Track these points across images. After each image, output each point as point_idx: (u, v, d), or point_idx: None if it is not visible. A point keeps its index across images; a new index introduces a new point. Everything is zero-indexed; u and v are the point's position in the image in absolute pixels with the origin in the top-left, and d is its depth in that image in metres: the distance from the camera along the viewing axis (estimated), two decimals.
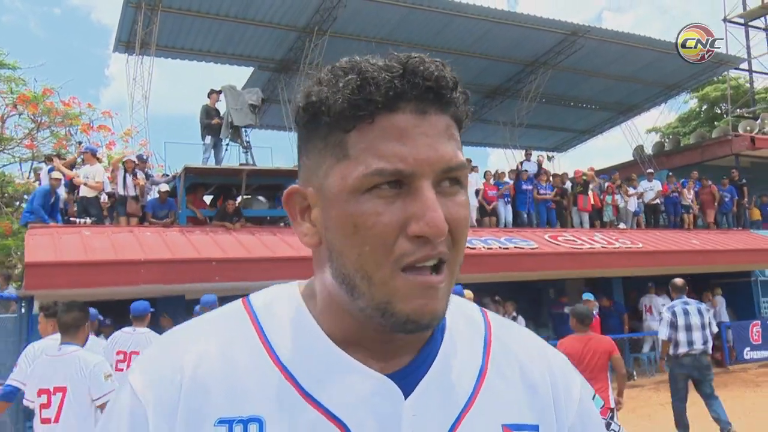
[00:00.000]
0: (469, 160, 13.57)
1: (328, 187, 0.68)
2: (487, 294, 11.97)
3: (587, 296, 9.44)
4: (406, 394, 0.71)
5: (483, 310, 0.85)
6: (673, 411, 7.19)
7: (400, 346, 0.73)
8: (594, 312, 9.31)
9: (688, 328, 7.09)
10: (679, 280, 7.55)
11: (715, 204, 16.12)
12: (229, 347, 0.72)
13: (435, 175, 0.66)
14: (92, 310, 6.26)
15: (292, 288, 0.79)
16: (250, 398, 0.69)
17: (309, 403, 0.69)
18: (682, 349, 7.08)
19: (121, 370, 5.79)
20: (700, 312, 7.15)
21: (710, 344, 7.20)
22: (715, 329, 7.37)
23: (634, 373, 12.26)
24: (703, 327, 7.10)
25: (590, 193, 14.44)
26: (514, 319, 11.23)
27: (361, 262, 0.66)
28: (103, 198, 10.66)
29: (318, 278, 0.74)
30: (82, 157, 11.47)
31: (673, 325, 7.14)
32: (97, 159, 11.75)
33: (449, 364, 0.75)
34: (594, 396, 0.83)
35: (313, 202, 0.71)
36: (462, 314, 0.81)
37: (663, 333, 7.22)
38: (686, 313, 7.14)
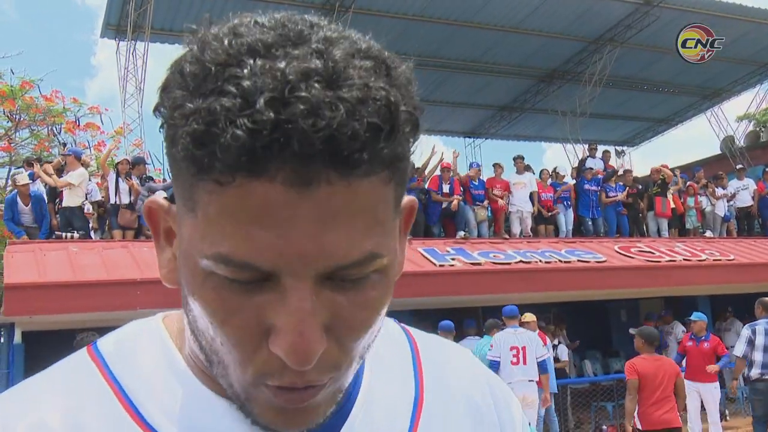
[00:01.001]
0: (521, 157, 13.51)
1: (180, 233, 0.57)
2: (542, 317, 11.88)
3: (697, 316, 9.33)
4: None
5: (402, 326, 0.80)
6: None
7: None
8: (709, 333, 9.38)
9: (766, 349, 7.80)
10: (766, 299, 8.23)
11: None
12: (76, 412, 0.62)
13: (316, 276, 0.52)
14: None
15: (154, 322, 0.70)
16: None
17: None
18: (755, 372, 7.82)
19: None
20: None
21: None
22: None
23: (726, 412, 12.01)
24: None
25: (670, 195, 14.24)
26: (555, 347, 11.01)
27: (216, 348, 0.56)
28: (87, 208, 10.81)
29: (184, 315, 0.62)
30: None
31: (751, 343, 7.91)
32: (83, 163, 12.00)
33: (375, 403, 0.69)
34: (529, 424, 0.83)
35: (175, 228, 0.60)
36: (382, 336, 0.68)
37: (739, 350, 7.99)
38: (767, 332, 7.87)
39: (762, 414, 8.04)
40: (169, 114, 0.51)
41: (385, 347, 0.74)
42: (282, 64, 0.49)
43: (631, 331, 7.69)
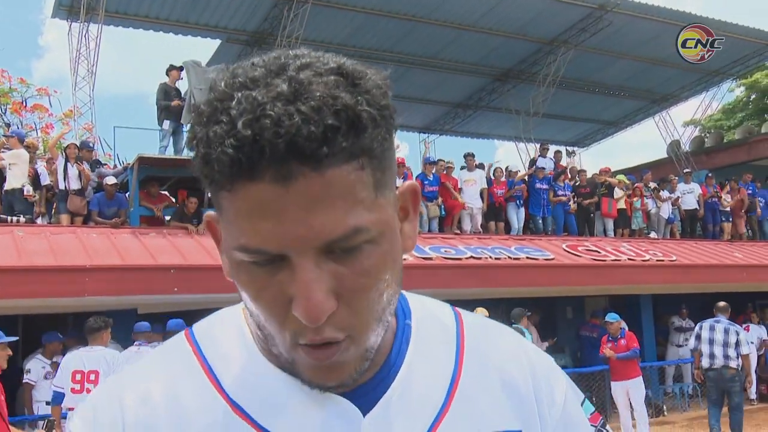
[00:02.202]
0: (471, 155, 13.69)
1: (223, 235, 0.73)
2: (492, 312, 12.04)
3: (612, 317, 9.70)
4: (366, 413, 0.77)
5: (456, 310, 0.92)
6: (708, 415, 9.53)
7: None
8: (623, 330, 9.74)
9: (711, 342, 9.25)
10: (722, 303, 9.68)
11: (743, 211, 16.36)
12: (173, 384, 0.78)
13: (315, 250, 0.66)
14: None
15: (236, 310, 0.84)
16: None
17: None
18: (705, 363, 9.27)
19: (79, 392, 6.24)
20: (726, 331, 9.21)
21: (734, 361, 9.10)
22: (746, 350, 9.15)
23: (664, 407, 12.40)
24: (726, 344, 9.13)
25: (620, 196, 14.57)
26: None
27: (260, 321, 0.72)
28: (27, 190, 10.56)
29: None
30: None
31: (698, 337, 9.44)
32: (30, 145, 11.74)
33: (415, 375, 0.80)
34: (584, 401, 0.91)
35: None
36: (431, 318, 0.88)
37: (691, 343, 9.78)
38: (712, 328, 9.34)
39: (715, 398, 9.37)
40: (189, 143, 0.69)
41: (434, 328, 0.87)
42: (256, 93, 0.64)
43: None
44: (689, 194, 15.97)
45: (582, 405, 0.93)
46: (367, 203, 0.67)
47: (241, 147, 0.62)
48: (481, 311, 9.56)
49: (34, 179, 10.95)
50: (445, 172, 13.42)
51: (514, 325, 9.76)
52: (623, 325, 10.01)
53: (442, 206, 13.04)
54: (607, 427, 0.99)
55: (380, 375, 0.79)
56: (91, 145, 12.23)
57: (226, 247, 0.71)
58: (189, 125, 0.74)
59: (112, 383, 0.81)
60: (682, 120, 25.11)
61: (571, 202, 14.38)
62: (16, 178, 10.43)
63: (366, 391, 0.78)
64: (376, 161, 0.68)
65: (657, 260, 12.77)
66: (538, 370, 0.88)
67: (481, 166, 14.00)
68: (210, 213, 0.78)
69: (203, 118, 0.66)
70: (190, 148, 0.69)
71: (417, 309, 0.87)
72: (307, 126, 0.62)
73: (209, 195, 0.74)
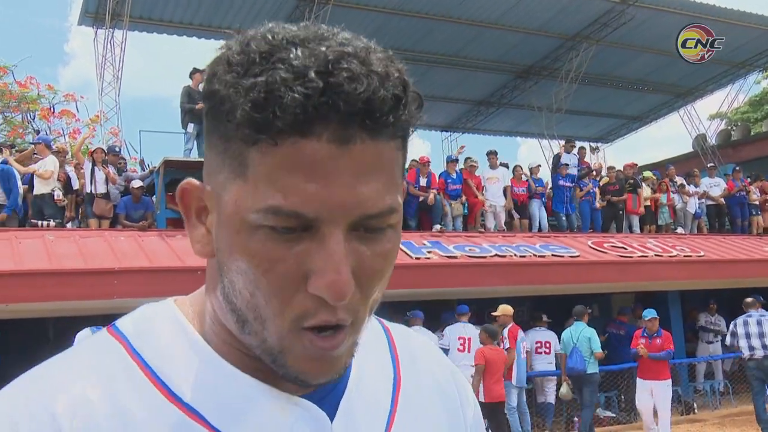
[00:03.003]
0: (494, 152, 13.63)
1: (223, 202, 0.65)
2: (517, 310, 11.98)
3: (650, 313, 9.38)
4: (330, 416, 0.73)
5: (375, 316, 0.87)
6: (754, 407, 9.85)
7: None
8: (660, 329, 9.37)
9: (747, 336, 9.63)
10: (749, 299, 10.06)
11: None
12: (110, 387, 0.67)
13: (349, 223, 0.62)
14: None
15: (168, 306, 0.76)
16: None
17: None
18: (746, 354, 9.63)
19: None
20: (759, 322, 9.59)
21: None
22: None
23: (695, 405, 12.25)
24: (762, 335, 9.51)
25: (641, 192, 14.44)
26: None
27: (255, 302, 0.64)
28: (57, 194, 10.69)
29: (210, 292, 0.72)
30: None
31: (734, 335, 9.80)
32: (59, 150, 11.89)
33: (364, 377, 0.78)
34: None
35: (210, 205, 0.68)
36: None
37: (727, 341, 10.20)
38: (746, 323, 9.73)
39: (759, 388, 9.73)
40: (224, 93, 0.61)
41: (369, 332, 0.81)
42: (323, 48, 0.60)
43: (478, 329, 8.99)
44: (715, 188, 15.77)
45: None
46: (399, 186, 0.66)
47: (311, 96, 0.58)
48: (507, 309, 9.61)
49: (66, 184, 11.09)
50: (468, 169, 13.37)
51: (576, 322, 10.01)
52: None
53: (466, 204, 13.00)
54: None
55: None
56: (117, 149, 12.36)
57: (233, 212, 0.63)
58: (207, 81, 0.63)
59: (33, 387, 0.67)
60: (708, 113, 24.84)
61: (598, 199, 14.24)
62: (45, 184, 10.57)
63: (325, 393, 0.74)
64: (405, 147, 0.67)
65: (684, 256, 12.62)
66: (458, 377, 0.90)
67: (505, 164, 13.91)
68: (190, 180, 0.70)
69: (246, 68, 0.60)
70: (215, 99, 0.62)
71: None
72: (383, 90, 0.60)
73: (226, 144, 0.63)
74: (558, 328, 12.64)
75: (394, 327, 0.89)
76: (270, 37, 0.62)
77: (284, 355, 0.66)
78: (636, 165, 15.67)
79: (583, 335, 9.75)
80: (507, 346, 9.43)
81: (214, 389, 0.69)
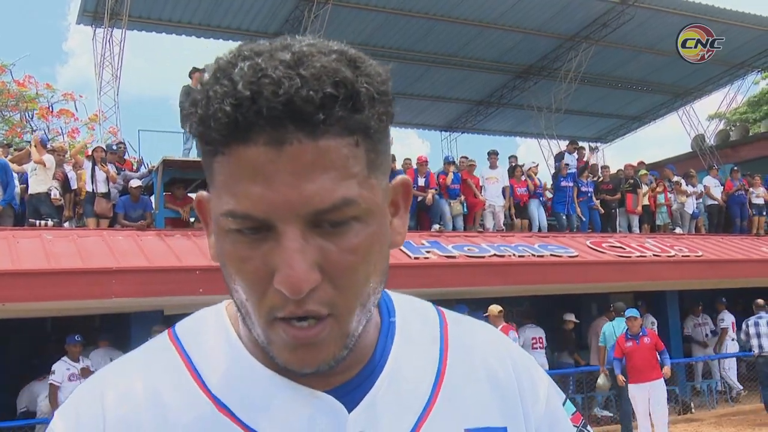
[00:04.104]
0: (495, 152, 13.63)
1: (212, 208, 0.72)
2: (513, 310, 12.02)
3: (632, 312, 9.22)
4: (350, 409, 0.75)
5: (438, 307, 0.91)
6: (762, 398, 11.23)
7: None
8: (644, 328, 9.25)
9: (758, 335, 10.90)
10: (760, 300, 11.23)
11: None
12: (155, 382, 0.76)
13: (302, 220, 0.65)
14: None
15: (219, 308, 0.84)
16: None
17: None
18: (756, 350, 10.92)
19: None
20: None
21: None
22: None
23: (692, 405, 12.27)
24: None
25: (640, 192, 14.45)
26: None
27: (240, 299, 0.70)
28: (54, 194, 10.68)
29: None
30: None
31: (747, 334, 11.08)
32: (56, 149, 11.88)
33: (401, 370, 0.80)
34: (565, 401, 0.90)
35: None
36: (415, 313, 0.87)
37: (740, 339, 11.64)
38: (756, 324, 10.96)
39: (764, 379, 11.08)
40: (188, 110, 0.67)
41: (418, 323, 0.86)
42: (260, 60, 0.64)
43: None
44: (717, 188, 15.78)
45: (564, 405, 0.92)
46: (360, 179, 0.67)
47: (239, 106, 0.62)
48: (496, 309, 9.61)
49: (64, 183, 11.08)
50: (467, 169, 13.38)
51: (617, 319, 10.07)
52: (647, 322, 9.77)
53: (465, 203, 13.01)
54: (588, 427, 0.99)
55: (365, 372, 0.78)
56: (114, 147, 12.35)
57: (214, 217, 0.70)
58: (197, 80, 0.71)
59: (94, 381, 0.79)
60: (707, 114, 24.85)
61: (595, 199, 14.26)
62: (41, 183, 10.55)
63: (350, 388, 0.77)
64: (371, 142, 0.68)
65: (683, 256, 12.64)
66: (520, 366, 0.88)
67: (514, 160, 13.93)
68: (201, 193, 0.77)
69: (205, 85, 0.66)
70: (187, 116, 0.68)
71: (401, 306, 0.87)
72: (306, 90, 0.62)
73: (203, 155, 0.70)
74: (550, 329, 12.68)
75: (452, 317, 0.90)
76: (232, 55, 0.67)
77: (270, 347, 0.71)
78: (633, 165, 15.63)
79: (618, 329, 9.92)
80: None
81: (242, 384, 0.76)
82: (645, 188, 14.64)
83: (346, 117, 0.64)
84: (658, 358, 8.96)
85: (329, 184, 0.64)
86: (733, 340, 13.28)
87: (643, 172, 15.19)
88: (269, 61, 0.64)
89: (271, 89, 0.62)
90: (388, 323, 0.84)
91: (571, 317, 12.66)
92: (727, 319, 13.44)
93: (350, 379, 0.77)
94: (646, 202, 14.62)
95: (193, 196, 12.34)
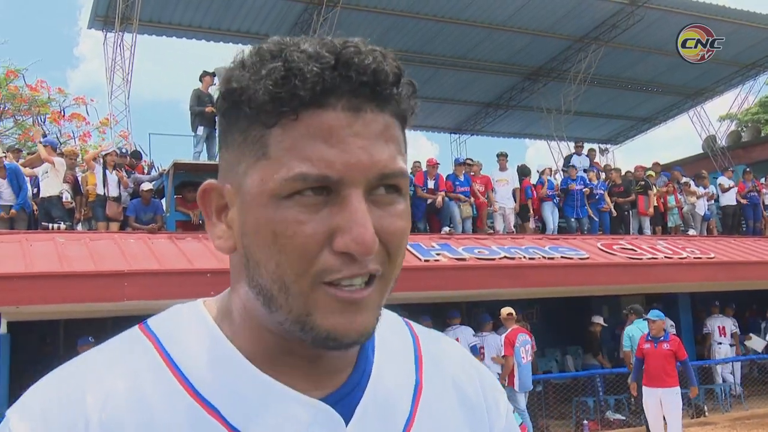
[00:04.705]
0: (504, 154, 13.60)
1: (246, 187, 0.70)
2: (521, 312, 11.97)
3: (655, 315, 8.79)
4: (345, 420, 0.74)
5: (406, 320, 0.91)
6: None
7: (330, 365, 0.76)
8: (667, 332, 8.89)
9: None
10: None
11: None
12: (136, 381, 0.71)
13: (367, 183, 0.68)
14: None
15: (197, 307, 0.80)
16: None
17: None
18: None
19: None
20: None
21: None
22: None
23: (705, 408, 12.18)
24: None
25: (651, 193, 14.38)
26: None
27: (279, 272, 0.68)
28: (66, 197, 10.73)
29: (234, 290, 0.76)
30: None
31: None
32: (68, 153, 11.94)
33: (384, 383, 0.79)
34: (513, 411, 0.91)
35: (230, 201, 0.73)
36: (387, 326, 0.85)
37: None
38: None
39: None
40: (243, 85, 0.68)
41: (392, 337, 0.86)
42: (332, 39, 0.68)
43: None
44: (733, 189, 15.67)
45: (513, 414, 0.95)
46: (405, 159, 0.72)
47: (326, 68, 0.65)
48: (504, 310, 9.58)
49: (74, 186, 11.13)
50: (473, 173, 13.35)
51: (637, 321, 10.06)
52: (667, 326, 9.26)
53: (474, 206, 12.98)
54: None
55: (354, 378, 0.78)
56: (124, 150, 12.41)
57: (258, 192, 0.68)
58: (227, 71, 0.71)
59: (65, 380, 0.72)
60: (718, 114, 24.70)
61: (608, 201, 14.19)
62: (52, 186, 10.60)
63: (341, 396, 0.76)
64: (404, 134, 0.73)
65: (695, 258, 12.56)
66: (486, 382, 0.90)
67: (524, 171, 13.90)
68: (210, 181, 0.75)
69: (261, 63, 0.67)
70: (232, 95, 0.69)
71: None
72: (384, 66, 0.67)
73: (245, 134, 0.70)
74: (561, 332, 12.62)
75: (420, 329, 0.90)
76: (280, 41, 0.69)
77: (312, 316, 0.68)
78: (643, 167, 15.55)
79: (640, 331, 9.74)
80: (501, 354, 9.46)
81: (233, 386, 0.72)
82: (655, 189, 14.57)
83: (401, 99, 0.70)
84: (677, 366, 8.55)
85: (393, 153, 0.69)
86: (719, 344, 13.25)
87: (650, 173, 15.12)
88: (340, 40, 0.68)
89: (359, 58, 0.66)
90: None
91: (599, 320, 12.61)
92: (711, 324, 13.40)
93: (338, 388, 0.76)
94: (656, 203, 14.55)
95: None
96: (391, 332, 0.86)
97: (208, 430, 0.70)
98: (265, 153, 0.68)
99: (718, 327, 13.39)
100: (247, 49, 0.71)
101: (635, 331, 10.10)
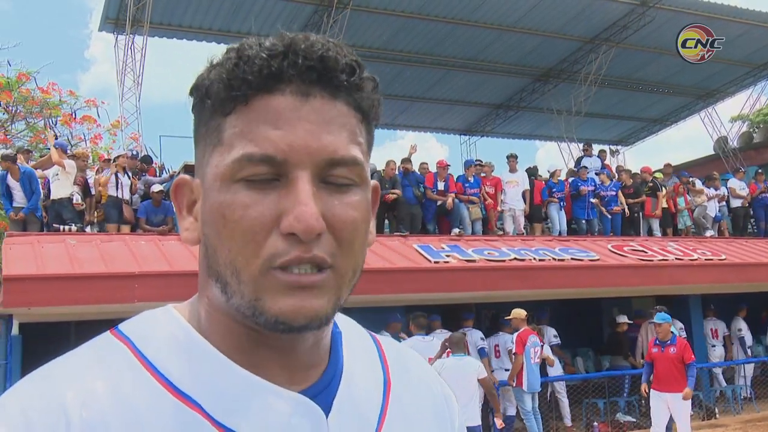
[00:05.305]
0: (514, 156, 13.57)
1: (205, 176, 0.73)
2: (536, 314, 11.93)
3: (661, 318, 8.69)
4: (325, 411, 0.76)
5: (364, 328, 0.94)
6: None
7: (303, 358, 0.77)
8: (676, 334, 8.81)
9: None
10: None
11: None
12: (116, 382, 0.71)
13: (316, 168, 0.69)
14: None
15: (167, 309, 0.80)
16: None
17: None
18: None
19: None
20: None
21: None
22: None
23: (716, 410, 12.12)
24: None
25: (660, 195, 14.31)
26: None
27: (230, 257, 0.69)
28: (76, 199, 10.79)
29: (201, 287, 0.78)
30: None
31: None
32: (78, 155, 12.00)
33: (356, 378, 0.82)
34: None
35: (197, 194, 0.76)
36: (350, 327, 0.89)
37: None
38: None
39: None
40: (203, 80, 0.73)
41: (356, 337, 0.89)
42: (288, 34, 0.71)
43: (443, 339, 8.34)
44: (741, 191, 15.60)
45: None
46: (362, 150, 0.73)
47: (275, 56, 0.69)
48: (520, 312, 9.56)
49: (85, 188, 11.19)
50: (483, 174, 13.33)
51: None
52: (675, 329, 9.13)
53: (483, 207, 12.95)
54: None
55: (328, 374, 0.80)
56: (135, 152, 12.47)
57: (214, 176, 0.71)
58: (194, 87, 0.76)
59: (42, 382, 0.71)
60: (730, 115, 24.55)
61: (622, 201, 14.11)
62: (63, 188, 10.66)
63: (319, 389, 0.78)
64: (369, 127, 0.75)
65: (706, 259, 12.50)
66: (447, 391, 0.94)
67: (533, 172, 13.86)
68: (183, 176, 0.78)
69: (224, 56, 0.72)
70: (198, 92, 0.73)
71: (338, 318, 0.86)
72: (335, 53, 0.70)
73: (207, 126, 0.74)
74: (571, 333, 12.58)
75: (382, 338, 0.94)
76: (245, 39, 0.73)
77: (261, 300, 0.69)
78: (649, 169, 15.46)
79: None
80: (513, 351, 9.44)
81: (211, 381, 0.73)
82: (664, 191, 14.51)
83: (357, 90, 0.72)
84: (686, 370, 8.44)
85: (344, 140, 0.71)
86: (713, 347, 13.20)
87: (658, 174, 15.05)
88: (295, 36, 0.71)
89: (306, 45, 0.69)
90: (336, 332, 0.85)
91: (624, 319, 12.56)
92: (705, 327, 13.30)
93: (317, 381, 0.78)
94: (664, 204, 14.48)
95: None
96: (356, 335, 0.89)
97: (193, 425, 0.70)
98: (219, 140, 0.71)
99: (711, 329, 13.32)
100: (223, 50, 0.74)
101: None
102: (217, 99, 0.70)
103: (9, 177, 10.44)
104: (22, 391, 0.70)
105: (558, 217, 13.56)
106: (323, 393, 0.78)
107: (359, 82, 0.72)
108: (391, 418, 0.81)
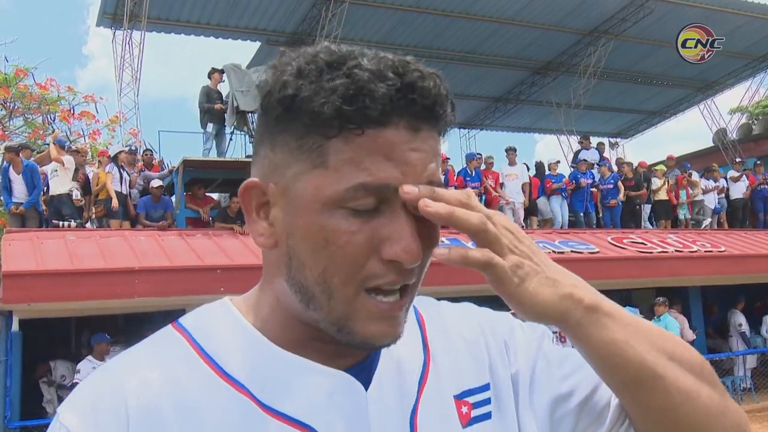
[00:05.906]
0: (513, 149, 13.58)
1: (298, 192, 0.73)
2: None
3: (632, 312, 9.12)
4: (366, 387, 0.80)
5: None
6: None
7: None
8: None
9: None
10: None
11: None
12: (171, 370, 0.77)
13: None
14: None
15: (223, 303, 0.86)
16: (208, 420, 0.75)
17: (270, 415, 0.76)
18: None
19: None
20: None
21: None
22: None
23: None
24: None
25: (654, 186, 14.32)
26: None
27: (325, 276, 0.73)
28: (75, 195, 10.78)
29: (268, 282, 0.82)
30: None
31: None
32: (78, 151, 12.00)
33: (398, 350, 0.83)
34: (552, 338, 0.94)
35: (273, 199, 0.76)
36: None
37: None
38: None
39: None
40: (304, 95, 0.70)
41: None
42: (387, 56, 0.73)
43: None
44: (740, 183, 15.60)
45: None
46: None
47: (392, 92, 0.69)
48: None
49: (84, 184, 11.18)
50: (484, 167, 13.32)
51: (665, 315, 10.20)
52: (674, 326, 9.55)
53: (484, 200, 12.95)
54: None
55: (372, 353, 0.84)
56: (134, 147, 12.46)
57: (311, 199, 0.72)
58: (279, 75, 0.72)
59: (106, 375, 0.78)
60: (729, 107, 24.53)
61: (620, 195, 14.11)
62: (62, 184, 10.65)
63: (362, 368, 0.82)
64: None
65: (705, 251, 12.51)
66: (482, 320, 0.95)
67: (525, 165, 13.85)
68: (253, 179, 0.78)
69: (320, 74, 0.70)
70: (285, 95, 0.71)
71: None
72: (442, 90, 0.73)
73: (300, 141, 0.73)
74: None
75: (420, 301, 0.95)
76: (334, 50, 0.73)
77: (351, 321, 0.74)
78: (645, 162, 15.43)
79: (672, 325, 10.12)
80: None
81: (261, 367, 0.79)
82: (658, 182, 14.50)
83: (449, 118, 0.76)
84: None
85: (436, 167, 0.75)
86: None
87: (659, 167, 15.04)
88: (395, 58, 0.73)
89: (425, 82, 0.71)
90: None
91: (635, 311, 12.59)
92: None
93: (359, 362, 0.82)
94: (664, 196, 14.47)
95: (213, 196, 12.42)
96: None
97: (240, 407, 0.76)
98: (323, 162, 0.71)
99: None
100: (297, 55, 0.74)
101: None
102: (320, 119, 0.70)
103: (11, 170, 10.43)
104: (88, 386, 0.78)
105: (560, 210, 13.56)
106: (366, 371, 0.82)
107: (450, 111, 0.76)
108: (430, 385, 0.85)
